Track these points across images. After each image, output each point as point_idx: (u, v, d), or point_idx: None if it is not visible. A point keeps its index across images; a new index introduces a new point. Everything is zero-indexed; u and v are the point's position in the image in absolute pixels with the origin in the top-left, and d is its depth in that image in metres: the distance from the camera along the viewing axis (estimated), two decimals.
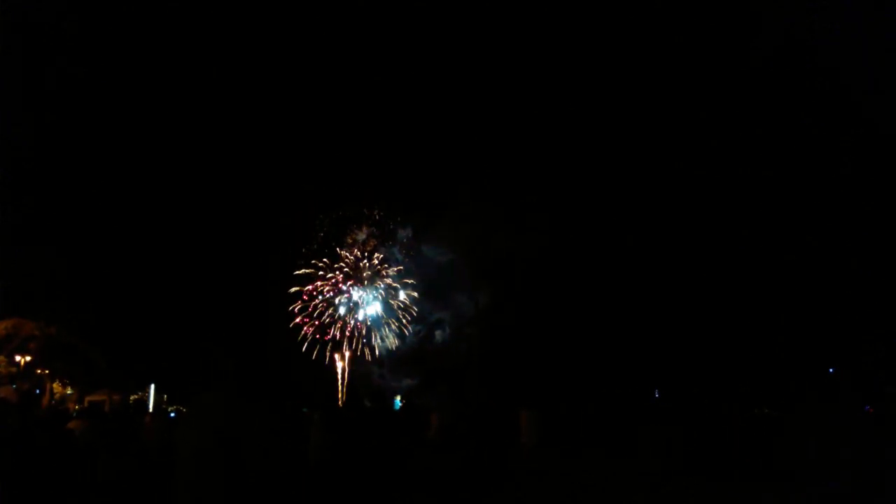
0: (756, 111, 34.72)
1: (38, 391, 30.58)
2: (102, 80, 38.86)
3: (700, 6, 35.69)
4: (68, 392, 37.00)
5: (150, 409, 34.65)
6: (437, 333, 37.88)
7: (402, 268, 38.85)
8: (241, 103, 41.88)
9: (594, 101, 37.58)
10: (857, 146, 33.06)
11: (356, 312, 38.60)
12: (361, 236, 38.74)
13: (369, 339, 38.58)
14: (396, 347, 38.40)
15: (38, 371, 33.41)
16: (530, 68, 39.18)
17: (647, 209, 34.82)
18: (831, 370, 33.92)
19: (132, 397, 39.43)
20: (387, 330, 38.61)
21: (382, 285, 38.80)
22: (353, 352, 38.22)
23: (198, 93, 40.67)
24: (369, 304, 38.68)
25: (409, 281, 38.62)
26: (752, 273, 33.84)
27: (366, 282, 38.66)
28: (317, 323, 38.21)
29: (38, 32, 32.67)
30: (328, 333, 38.27)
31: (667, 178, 35.19)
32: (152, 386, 38.19)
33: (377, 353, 38.42)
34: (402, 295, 38.65)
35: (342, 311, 38.48)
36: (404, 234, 38.47)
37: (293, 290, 38.11)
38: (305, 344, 38.11)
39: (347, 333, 38.31)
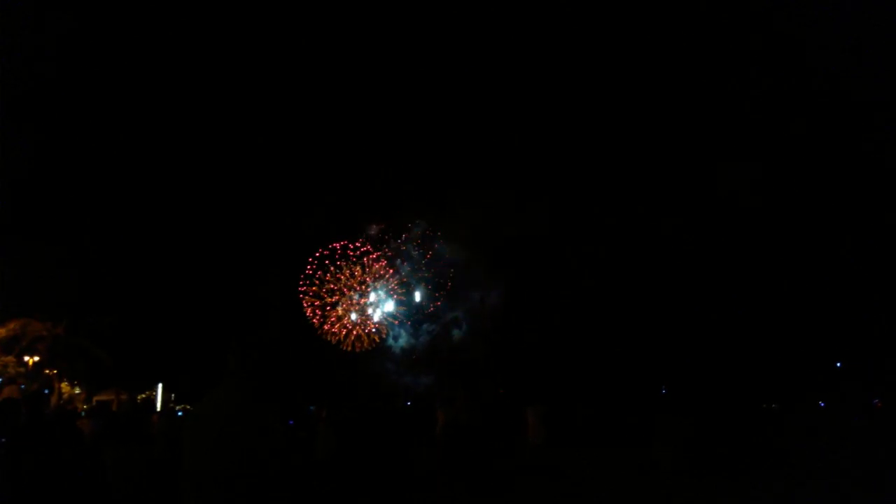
0: (758, 109, 34.66)
1: (46, 391, 30.71)
2: (118, 85, 39.06)
3: (698, 6, 35.69)
4: (76, 392, 37.15)
5: (158, 408, 34.81)
6: (455, 332, 37.72)
7: (413, 275, 38.62)
8: (252, 105, 42.06)
9: (603, 99, 37.61)
10: (861, 144, 32.97)
11: (369, 312, 38.51)
12: (373, 231, 38.57)
13: (384, 339, 38.55)
14: (411, 346, 38.32)
15: (47, 371, 33.54)
16: (539, 67, 39.18)
17: (654, 207, 34.81)
18: (838, 364, 33.85)
19: (140, 396, 39.58)
20: (401, 329, 38.54)
21: (393, 283, 38.67)
22: (364, 350, 38.20)
23: (211, 96, 40.84)
24: (384, 303, 38.59)
25: (426, 275, 38.39)
26: (759, 269, 33.78)
27: (377, 281, 38.57)
28: (326, 328, 38.15)
29: (42, 32, 32.81)
30: (339, 335, 38.21)
31: (671, 176, 35.19)
32: (160, 385, 38.33)
33: (392, 351, 38.36)
34: (417, 296, 38.52)
35: (353, 317, 38.40)
36: (418, 229, 38.21)
37: (302, 296, 37.96)
38: (315, 341, 38.08)
39: (357, 333, 38.21)
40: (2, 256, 28.34)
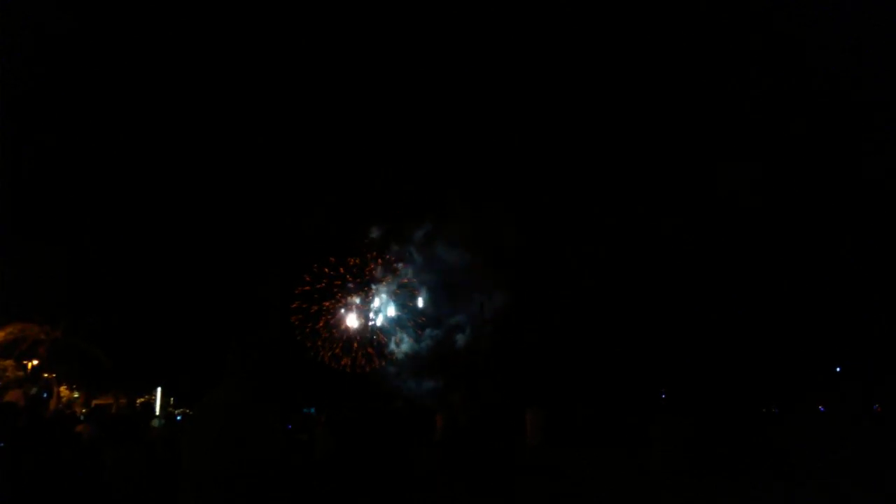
0: (758, 109, 34.68)
1: (45, 395, 30.66)
2: (117, 85, 39.04)
3: (698, 6, 35.71)
4: (75, 396, 37.08)
5: (157, 412, 34.76)
6: (459, 337, 37.51)
7: (413, 281, 38.41)
8: (251, 105, 42.07)
9: (603, 99, 37.61)
10: (861, 144, 32.99)
11: (371, 317, 38.31)
12: (374, 234, 38.39)
13: (387, 343, 38.35)
14: (413, 351, 38.14)
15: (45, 375, 33.48)
16: (538, 67, 39.21)
17: (654, 207, 34.79)
18: (838, 369, 33.81)
19: (139, 400, 39.49)
20: (403, 333, 38.34)
21: (396, 286, 38.52)
22: (365, 354, 38.04)
23: (210, 96, 40.83)
24: (386, 308, 38.44)
25: (426, 279, 38.19)
26: (759, 270, 33.76)
27: (378, 283, 38.41)
28: (325, 335, 37.93)
29: (43, 32, 32.77)
30: (337, 343, 37.98)
31: (671, 176, 35.19)
32: (159, 389, 38.25)
33: (394, 357, 38.15)
34: (420, 302, 38.35)
35: (352, 324, 38.16)
36: (420, 233, 38.01)
37: (295, 304, 37.73)
38: (314, 349, 37.91)
39: (355, 344, 37.96)
40: (1, 257, 28.31)
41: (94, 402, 35.21)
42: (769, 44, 34.57)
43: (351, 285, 38.33)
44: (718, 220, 33.49)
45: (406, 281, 38.78)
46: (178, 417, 27.30)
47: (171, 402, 40.26)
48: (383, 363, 37.85)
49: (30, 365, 32.26)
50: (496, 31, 41.95)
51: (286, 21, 44.29)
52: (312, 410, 30.93)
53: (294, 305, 37.61)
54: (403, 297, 38.85)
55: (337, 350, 37.71)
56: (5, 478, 5.12)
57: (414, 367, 37.30)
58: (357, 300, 38.43)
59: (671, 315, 33.90)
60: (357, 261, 38.45)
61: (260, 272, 38.27)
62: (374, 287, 38.42)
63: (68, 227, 37.55)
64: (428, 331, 38.11)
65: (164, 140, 39.84)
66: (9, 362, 31.72)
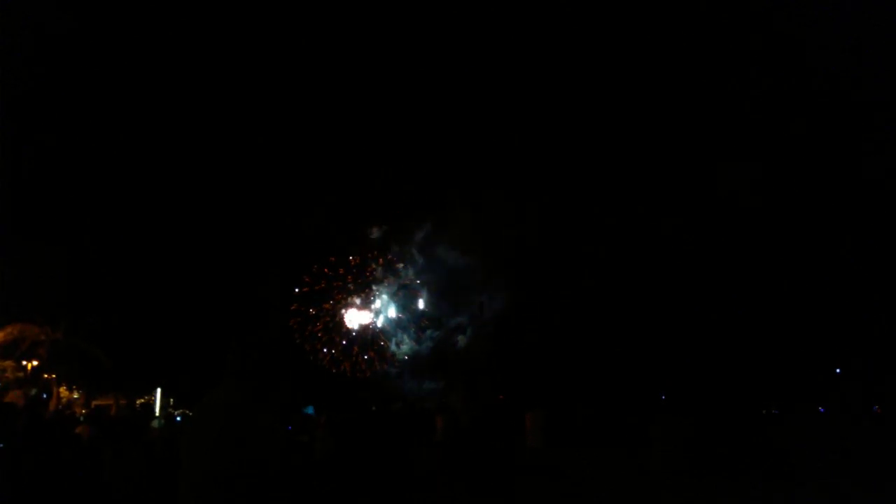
0: (758, 109, 34.69)
1: (45, 396, 30.66)
2: (117, 85, 39.07)
3: (698, 6, 35.75)
4: (75, 396, 37.05)
5: (157, 413, 34.74)
6: (460, 338, 37.34)
7: (415, 280, 38.25)
8: (251, 105, 42.11)
9: (603, 99, 37.65)
10: (861, 144, 33.00)
11: (372, 318, 38.14)
12: (375, 234, 38.26)
13: (388, 346, 38.21)
14: (413, 352, 37.98)
15: (45, 376, 33.46)
16: (538, 67, 39.22)
17: (654, 207, 34.78)
18: (837, 371, 33.79)
19: (139, 401, 39.49)
20: (404, 335, 38.19)
21: (397, 287, 38.37)
22: (365, 356, 37.90)
23: (210, 96, 40.86)
24: (387, 309, 38.29)
25: (427, 280, 38.02)
26: (759, 270, 33.76)
27: (378, 283, 38.26)
28: (324, 338, 37.76)
29: (43, 32, 32.77)
30: (336, 345, 37.80)
31: (671, 176, 35.20)
32: (158, 390, 38.25)
33: (395, 358, 38.00)
34: (420, 303, 38.21)
35: (352, 326, 37.96)
36: (420, 233, 37.83)
37: (294, 307, 37.55)
38: (314, 350, 37.78)
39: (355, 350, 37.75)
40: (1, 257, 28.29)
41: (94, 403, 35.21)
42: (769, 44, 34.63)
43: (351, 286, 38.17)
44: (718, 220, 33.50)
45: (407, 282, 38.64)
46: (178, 418, 27.27)
47: (171, 403, 40.24)
48: (384, 366, 37.69)
49: (30, 366, 32.22)
50: (496, 31, 41.97)
51: (286, 21, 44.33)
52: (311, 411, 30.84)
53: (293, 307, 37.44)
54: (404, 299, 38.71)
55: (337, 354, 37.56)
56: (5, 478, 5.11)
57: (414, 368, 37.19)
58: (357, 301, 38.31)
59: (671, 315, 33.89)
60: (357, 261, 38.30)
61: (260, 272, 38.25)
62: (374, 288, 38.28)
63: (68, 227, 37.57)
64: (428, 332, 38.00)
65: (163, 140, 39.85)
66: (9, 363, 31.68)
